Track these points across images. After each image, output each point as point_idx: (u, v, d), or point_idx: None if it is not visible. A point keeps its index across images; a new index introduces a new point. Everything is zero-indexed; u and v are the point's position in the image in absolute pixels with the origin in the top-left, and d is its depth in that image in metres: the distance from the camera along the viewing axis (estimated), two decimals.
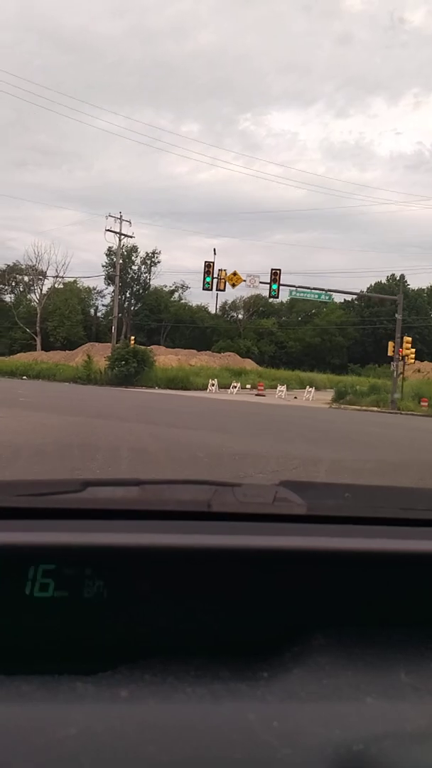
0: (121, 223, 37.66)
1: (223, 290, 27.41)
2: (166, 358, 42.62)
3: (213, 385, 34.10)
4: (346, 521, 0.92)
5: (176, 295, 72.01)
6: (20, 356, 49.16)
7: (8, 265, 66.11)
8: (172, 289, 71.37)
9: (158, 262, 69.48)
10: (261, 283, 27.48)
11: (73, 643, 0.74)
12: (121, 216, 37.68)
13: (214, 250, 33.56)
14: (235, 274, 27.17)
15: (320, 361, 65.23)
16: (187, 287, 71.03)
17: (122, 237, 37.77)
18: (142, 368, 33.99)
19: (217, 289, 27.35)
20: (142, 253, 67.49)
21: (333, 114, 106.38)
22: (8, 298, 68.65)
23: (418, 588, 0.81)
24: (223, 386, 34.73)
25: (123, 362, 33.39)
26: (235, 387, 34.00)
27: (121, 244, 38.13)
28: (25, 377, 37.58)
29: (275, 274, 26.81)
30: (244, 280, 27.12)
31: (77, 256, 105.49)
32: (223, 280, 27.01)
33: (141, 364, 33.94)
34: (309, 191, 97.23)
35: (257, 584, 0.78)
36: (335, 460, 8.77)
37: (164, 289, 70.79)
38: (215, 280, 26.98)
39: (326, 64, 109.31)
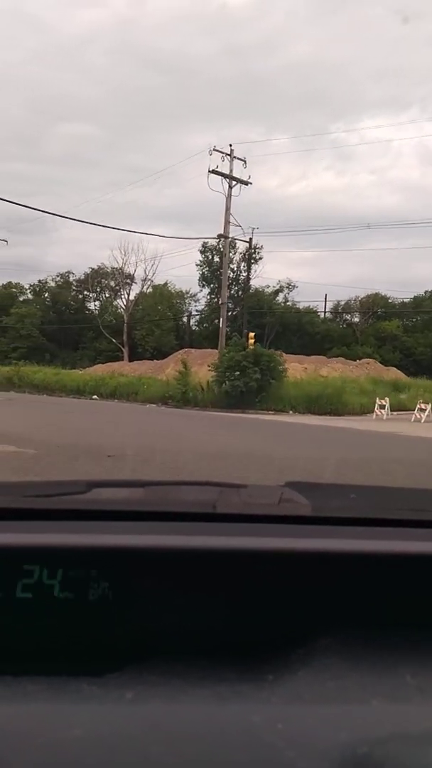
0: (232, 160, 25.89)
1: None
2: (289, 366, 30.36)
3: (383, 407, 21.54)
4: (352, 522, 0.92)
5: (281, 296, 60.03)
6: (97, 368, 38.62)
7: (92, 269, 57.37)
8: (276, 289, 59.39)
9: (260, 258, 57.76)
10: None
11: (79, 644, 0.74)
12: (232, 151, 25.90)
13: None
14: None
15: None
16: (294, 286, 58.87)
17: (233, 183, 25.96)
18: (267, 381, 22.07)
19: None
20: (241, 248, 56.00)
21: (428, 118, 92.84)
22: (92, 305, 60.14)
23: (425, 590, 0.80)
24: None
25: (238, 372, 21.54)
26: (424, 410, 20.84)
27: (231, 191, 26.20)
28: (95, 397, 26.81)
29: None
30: None
31: (169, 273, 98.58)
32: None
33: (265, 375, 22.02)
34: (404, 198, 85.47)
35: (263, 586, 0.78)
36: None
37: (266, 290, 59.08)
38: None
39: (420, 67, 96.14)
